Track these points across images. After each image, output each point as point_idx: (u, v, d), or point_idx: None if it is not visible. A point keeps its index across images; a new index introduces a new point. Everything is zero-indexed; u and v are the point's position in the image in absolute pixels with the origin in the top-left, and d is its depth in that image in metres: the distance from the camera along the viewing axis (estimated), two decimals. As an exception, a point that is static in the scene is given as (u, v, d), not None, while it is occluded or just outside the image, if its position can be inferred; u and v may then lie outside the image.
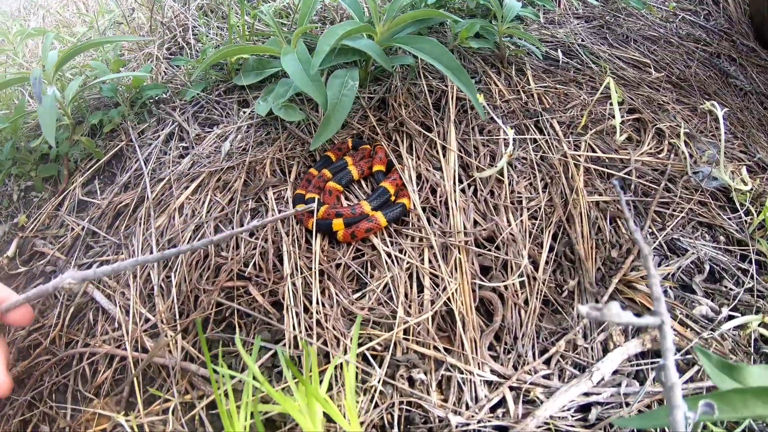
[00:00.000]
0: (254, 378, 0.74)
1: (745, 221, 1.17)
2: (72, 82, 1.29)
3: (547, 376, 0.91)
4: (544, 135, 1.25)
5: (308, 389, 0.64)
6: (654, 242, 1.11)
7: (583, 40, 1.61)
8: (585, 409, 0.87)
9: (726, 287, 1.07)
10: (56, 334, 1.06)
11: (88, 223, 1.18)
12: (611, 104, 1.31)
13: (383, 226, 1.03)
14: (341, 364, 0.88)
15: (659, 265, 1.09)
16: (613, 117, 1.27)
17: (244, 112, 1.26)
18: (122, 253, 1.09)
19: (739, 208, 1.19)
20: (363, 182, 1.17)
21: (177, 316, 0.97)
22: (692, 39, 1.85)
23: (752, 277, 1.07)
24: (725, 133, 1.38)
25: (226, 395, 0.90)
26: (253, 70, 1.28)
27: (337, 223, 1.02)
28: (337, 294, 0.96)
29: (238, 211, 1.06)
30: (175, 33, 1.61)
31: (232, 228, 1.04)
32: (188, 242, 1.04)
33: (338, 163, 1.14)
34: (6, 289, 0.54)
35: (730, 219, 1.18)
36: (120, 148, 1.32)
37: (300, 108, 1.18)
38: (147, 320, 0.99)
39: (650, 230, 1.13)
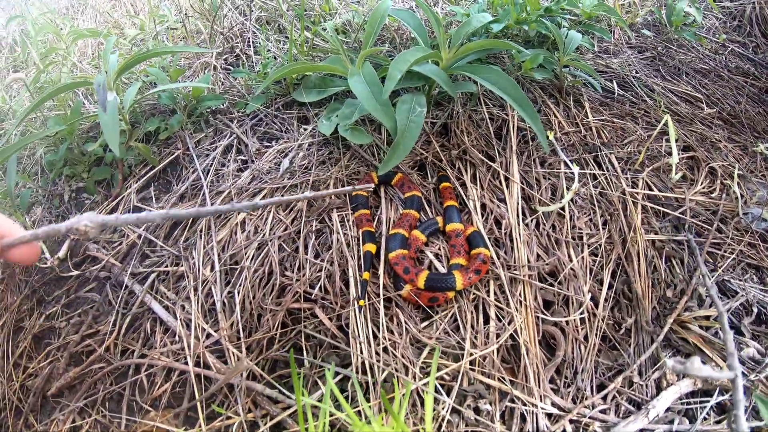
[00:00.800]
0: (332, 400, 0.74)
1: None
2: (130, 88, 1.29)
3: (604, 411, 0.93)
4: (603, 170, 1.25)
5: (397, 422, 0.64)
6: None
7: (637, 72, 1.60)
8: None
9: (773, 331, 1.07)
10: (111, 342, 1.07)
11: (145, 231, 1.19)
12: (667, 140, 1.31)
13: (450, 297, 1.02)
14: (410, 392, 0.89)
15: (710, 306, 1.09)
16: (669, 154, 1.27)
17: (305, 129, 1.26)
18: (182, 265, 1.09)
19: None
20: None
21: (241, 334, 0.97)
22: (741, 72, 1.85)
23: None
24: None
25: (290, 417, 0.90)
26: (315, 88, 1.28)
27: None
28: (405, 322, 0.96)
29: (302, 231, 1.06)
30: (232, 43, 1.62)
31: (297, 250, 1.04)
32: (251, 260, 1.04)
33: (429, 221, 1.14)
34: (11, 224, 0.50)
35: (779, 261, 1.17)
36: (176, 157, 1.32)
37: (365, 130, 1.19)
38: (209, 336, 1.00)
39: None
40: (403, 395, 0.84)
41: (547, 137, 1.09)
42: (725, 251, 1.18)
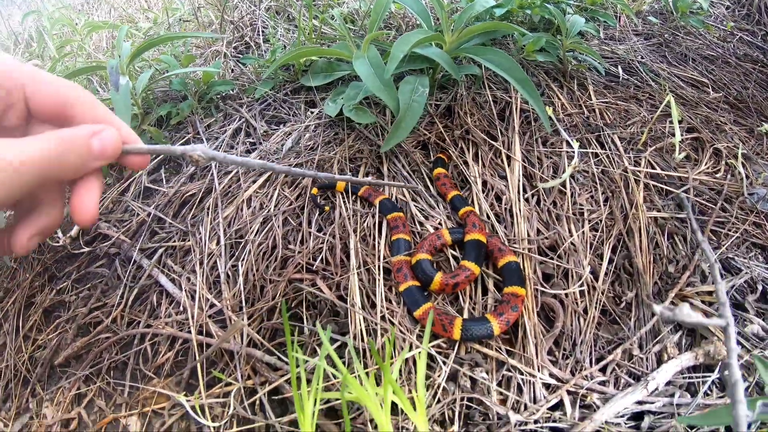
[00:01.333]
0: (328, 364, 0.76)
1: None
2: (142, 74, 1.33)
3: (603, 383, 0.94)
4: (605, 150, 1.26)
5: (387, 376, 0.65)
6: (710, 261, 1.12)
7: (642, 58, 1.61)
8: (638, 417, 0.89)
9: (778, 308, 1.07)
10: (118, 313, 1.10)
11: (155, 209, 1.22)
12: (671, 122, 1.31)
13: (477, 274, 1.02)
14: (406, 360, 0.90)
15: (713, 282, 1.10)
16: (673, 135, 1.27)
17: (312, 112, 1.29)
18: (188, 239, 1.12)
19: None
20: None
21: (243, 304, 1.00)
22: (750, 60, 1.84)
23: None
24: (781, 154, 1.38)
25: (288, 383, 0.93)
26: (322, 72, 1.31)
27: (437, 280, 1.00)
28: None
29: (306, 206, 1.08)
30: (242, 32, 1.66)
31: (300, 224, 1.06)
32: (256, 234, 1.07)
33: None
34: (133, 133, 0.54)
35: (784, 240, 1.17)
36: (187, 140, 1.36)
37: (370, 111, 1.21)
38: (212, 306, 1.02)
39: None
40: (397, 360, 0.86)
41: (549, 117, 1.10)
42: (729, 230, 1.18)
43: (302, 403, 0.68)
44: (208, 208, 1.15)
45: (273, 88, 1.39)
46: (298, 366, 0.69)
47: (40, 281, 1.28)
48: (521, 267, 1.04)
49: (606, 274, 1.07)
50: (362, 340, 0.93)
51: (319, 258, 1.02)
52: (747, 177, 1.29)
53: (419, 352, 0.75)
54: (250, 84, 1.44)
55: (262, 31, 1.62)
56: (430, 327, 0.81)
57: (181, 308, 1.04)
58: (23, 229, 0.49)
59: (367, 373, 0.89)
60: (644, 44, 1.70)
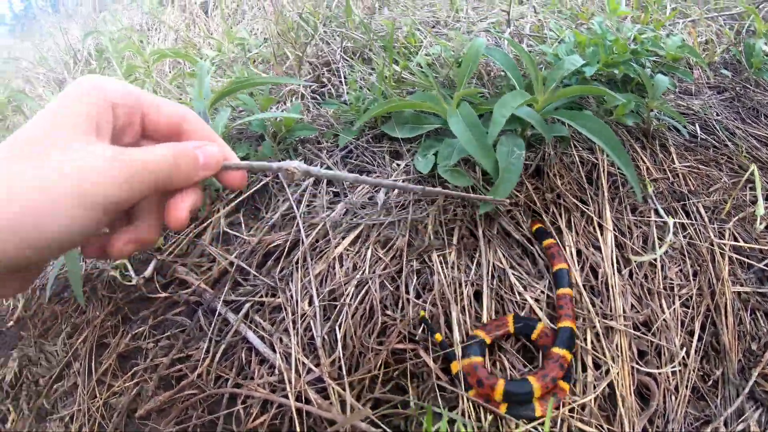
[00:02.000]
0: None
1: None
2: (220, 113, 1.33)
3: None
4: (691, 220, 1.25)
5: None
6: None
7: (718, 114, 1.59)
8: None
9: None
10: (204, 369, 1.08)
11: (237, 258, 1.20)
12: (751, 189, 1.30)
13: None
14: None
15: None
16: (754, 203, 1.26)
17: (398, 165, 1.27)
18: (278, 296, 1.11)
19: None
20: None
21: (343, 371, 0.98)
22: None
23: None
24: None
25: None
26: (408, 123, 1.29)
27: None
28: (510, 368, 0.97)
29: (404, 269, 1.07)
30: (319, 71, 1.64)
31: (398, 288, 1.05)
32: (351, 297, 1.05)
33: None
34: (231, 151, 0.59)
35: None
36: (264, 184, 1.34)
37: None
38: (309, 371, 1.01)
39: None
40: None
41: (641, 189, 1.09)
42: None
43: None
44: (297, 263, 1.13)
45: (354, 137, 1.37)
46: None
47: (113, 321, 1.27)
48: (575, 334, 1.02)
49: (696, 351, 1.07)
50: (469, 417, 0.91)
51: (421, 328, 1.00)
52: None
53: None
54: (329, 128, 1.42)
55: (340, 72, 1.60)
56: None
57: (276, 371, 1.02)
58: (120, 234, 0.54)
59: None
60: (717, 98, 1.68)
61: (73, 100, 0.50)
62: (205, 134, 0.58)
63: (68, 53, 2.66)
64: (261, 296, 1.14)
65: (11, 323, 1.44)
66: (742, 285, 1.16)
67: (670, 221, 1.11)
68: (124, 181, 0.47)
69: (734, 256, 1.20)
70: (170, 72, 2.01)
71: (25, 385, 1.31)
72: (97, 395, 1.17)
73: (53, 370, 1.29)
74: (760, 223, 1.25)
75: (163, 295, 1.24)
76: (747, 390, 1.03)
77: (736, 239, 1.23)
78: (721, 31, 1.94)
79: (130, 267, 1.29)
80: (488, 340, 0.99)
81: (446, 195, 1.16)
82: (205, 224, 1.33)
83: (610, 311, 1.06)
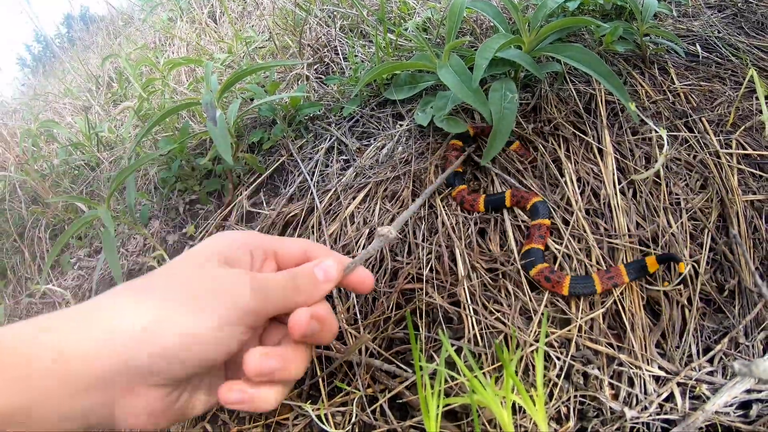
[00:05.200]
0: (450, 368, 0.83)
1: None
2: (232, 104, 1.46)
3: (711, 373, 0.97)
4: (695, 133, 1.29)
5: (508, 370, 0.72)
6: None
7: (719, 32, 1.61)
8: (746, 405, 0.91)
9: None
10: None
11: (259, 231, 1.33)
12: (757, 98, 1.32)
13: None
14: (521, 359, 0.97)
15: None
16: (760, 112, 1.28)
17: (401, 125, 1.38)
18: (297, 259, 1.23)
19: None
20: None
21: (358, 317, 1.09)
22: None
23: None
24: None
25: (408, 389, 1.01)
26: (405, 85, 1.40)
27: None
28: (514, 291, 1.05)
29: (411, 219, 1.17)
30: (320, 53, 1.77)
31: (405, 235, 1.15)
32: (362, 248, 1.16)
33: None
34: (346, 258, 0.71)
35: None
36: (281, 163, 1.47)
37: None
38: (328, 321, 1.12)
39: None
40: (515, 357, 0.93)
41: (634, 108, 1.14)
42: None
43: (428, 406, 0.76)
44: (313, 227, 1.25)
45: (359, 105, 1.49)
46: (421, 373, 0.76)
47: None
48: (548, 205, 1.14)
49: (708, 263, 1.10)
50: (477, 344, 1.00)
51: (428, 267, 1.10)
52: None
53: (536, 350, 0.81)
54: (335, 103, 1.54)
55: (339, 51, 1.73)
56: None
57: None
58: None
59: (484, 374, 0.96)
60: (718, 17, 1.70)
61: (205, 244, 0.65)
62: (324, 254, 0.69)
63: (90, 80, 2.90)
64: (283, 261, 1.26)
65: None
66: (754, 193, 1.18)
67: (663, 132, 1.15)
68: (254, 294, 0.57)
69: (745, 168, 1.22)
70: (186, 80, 2.18)
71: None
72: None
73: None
74: None
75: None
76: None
77: (744, 148, 1.26)
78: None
79: (166, 256, 1.44)
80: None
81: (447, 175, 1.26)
82: (230, 207, 1.47)
83: (615, 231, 1.12)
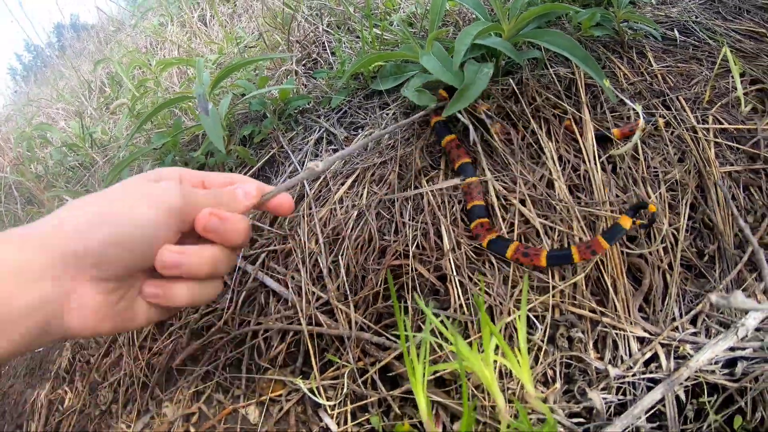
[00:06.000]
0: (436, 335, 0.88)
1: None
2: (223, 99, 1.51)
3: (694, 334, 1.03)
4: (672, 111, 1.34)
5: (497, 336, 0.77)
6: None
7: (697, 17, 1.67)
8: (731, 363, 0.97)
9: None
10: (229, 316, 1.26)
11: (251, 219, 1.38)
12: (733, 76, 1.38)
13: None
14: (505, 327, 1.02)
15: None
16: (736, 89, 1.34)
17: (387, 114, 1.44)
18: (288, 242, 1.28)
19: None
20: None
21: (348, 294, 1.14)
22: None
23: None
24: None
25: (396, 360, 1.06)
26: (391, 75, 1.46)
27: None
28: (497, 262, 1.10)
29: (397, 200, 1.22)
30: (309, 49, 1.84)
31: (392, 215, 1.20)
32: (351, 230, 1.21)
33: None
34: (268, 186, 0.81)
35: None
36: (272, 155, 1.52)
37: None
38: (318, 298, 1.17)
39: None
40: (498, 323, 0.98)
41: (611, 89, 1.20)
42: None
43: (414, 371, 0.80)
44: (303, 213, 1.30)
45: (347, 97, 1.54)
46: (407, 341, 0.81)
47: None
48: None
49: (687, 231, 1.17)
50: (462, 313, 1.05)
51: (415, 244, 1.15)
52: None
53: (518, 316, 0.86)
54: (324, 96, 1.60)
55: (327, 46, 1.79)
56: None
57: (289, 304, 1.19)
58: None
59: (470, 343, 1.01)
60: (696, 3, 1.77)
61: (139, 174, 0.73)
62: (248, 182, 0.79)
63: (82, 86, 2.96)
64: (274, 246, 1.31)
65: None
66: (732, 165, 1.25)
67: (639, 108, 1.21)
68: (181, 196, 0.66)
69: (722, 141, 1.28)
70: (178, 81, 2.24)
71: (78, 367, 1.52)
72: (140, 358, 1.36)
73: (101, 348, 1.49)
74: (745, 105, 1.33)
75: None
76: (746, 258, 1.10)
77: (720, 123, 1.32)
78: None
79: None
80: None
81: (413, 121, 1.32)
82: (221, 199, 1.52)
83: (596, 203, 1.18)
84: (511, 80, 1.37)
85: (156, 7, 3.26)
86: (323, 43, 1.82)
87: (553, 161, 1.22)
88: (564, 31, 1.44)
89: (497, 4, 1.29)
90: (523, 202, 1.19)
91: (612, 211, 1.15)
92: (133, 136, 1.53)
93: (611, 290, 1.07)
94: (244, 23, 2.47)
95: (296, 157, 1.46)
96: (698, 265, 1.13)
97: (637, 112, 1.20)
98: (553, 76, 1.38)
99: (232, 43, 2.11)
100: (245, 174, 1.53)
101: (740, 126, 1.30)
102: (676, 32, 1.57)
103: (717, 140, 1.28)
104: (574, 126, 1.27)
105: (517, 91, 1.33)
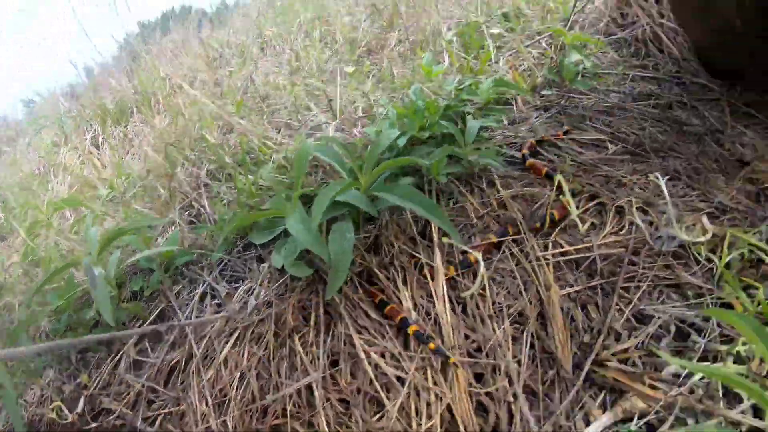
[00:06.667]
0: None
1: (712, 270, 1.35)
2: (111, 256, 1.63)
3: None
4: (517, 245, 1.51)
5: None
6: (621, 318, 1.32)
7: (544, 133, 1.88)
8: None
9: (693, 341, 1.24)
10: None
11: (146, 381, 1.50)
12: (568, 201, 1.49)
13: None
14: None
15: (629, 337, 1.29)
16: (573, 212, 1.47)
17: (263, 267, 1.59)
18: (182, 404, 1.40)
19: (700, 259, 1.37)
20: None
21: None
22: (644, 96, 2.10)
23: (718, 324, 1.25)
24: (684, 188, 1.62)
25: None
26: (265, 229, 1.61)
27: None
28: (361, 418, 1.25)
29: (273, 359, 1.37)
30: (190, 198, 1.97)
31: (271, 375, 1.35)
32: (236, 390, 1.35)
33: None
34: None
35: (694, 273, 1.36)
36: (161, 310, 1.65)
37: (309, 261, 1.48)
38: (215, 462, 1.30)
39: (618, 307, 1.34)
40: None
41: (458, 237, 1.36)
42: (640, 280, 1.38)
43: None
44: (193, 373, 1.43)
45: (226, 250, 1.69)
46: None
47: (53, 458, 1.55)
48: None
49: (530, 359, 1.29)
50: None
51: (291, 402, 1.30)
52: (651, 223, 1.50)
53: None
54: (205, 248, 1.74)
55: (206, 196, 1.93)
56: None
57: (189, 467, 1.32)
58: None
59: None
60: (544, 117, 1.99)
61: None
62: None
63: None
64: (170, 408, 1.43)
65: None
66: (571, 286, 1.39)
67: (479, 255, 1.37)
68: None
69: (562, 262, 1.44)
70: (70, 216, 2.31)
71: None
72: None
73: None
74: (583, 225, 1.50)
75: (94, 425, 1.51)
76: (581, 380, 1.21)
77: (561, 246, 1.48)
78: (543, 54, 2.28)
79: (63, 407, 1.57)
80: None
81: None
82: (118, 355, 1.62)
83: (447, 346, 1.32)
84: (371, 228, 1.52)
85: (50, 125, 3.31)
86: (204, 190, 1.96)
87: (408, 311, 1.39)
88: (420, 176, 1.60)
89: (353, 160, 1.46)
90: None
91: (461, 354, 1.30)
92: (32, 297, 1.62)
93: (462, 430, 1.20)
94: (135, 149, 2.57)
95: (183, 313, 1.59)
96: (540, 390, 1.25)
97: (477, 259, 1.36)
98: (410, 219, 1.55)
99: (121, 177, 2.22)
100: (138, 326, 1.65)
101: (579, 246, 1.47)
102: (521, 153, 1.76)
103: (559, 263, 1.44)
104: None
105: (376, 242, 1.48)
